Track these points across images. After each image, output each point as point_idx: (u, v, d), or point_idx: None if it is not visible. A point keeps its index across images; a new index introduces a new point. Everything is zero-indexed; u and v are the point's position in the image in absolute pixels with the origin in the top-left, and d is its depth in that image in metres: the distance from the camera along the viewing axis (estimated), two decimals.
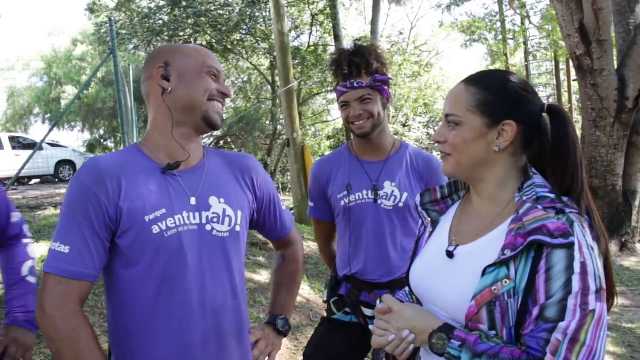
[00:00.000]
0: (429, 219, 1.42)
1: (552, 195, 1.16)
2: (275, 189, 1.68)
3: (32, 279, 1.88)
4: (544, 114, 1.25)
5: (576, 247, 1.07)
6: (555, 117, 1.24)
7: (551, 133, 1.24)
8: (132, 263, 1.34)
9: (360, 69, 2.09)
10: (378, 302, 2.06)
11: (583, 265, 1.06)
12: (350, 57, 2.10)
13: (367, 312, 2.16)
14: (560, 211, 1.12)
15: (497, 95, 1.22)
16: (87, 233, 1.29)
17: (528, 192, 1.18)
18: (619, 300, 5.89)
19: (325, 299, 2.29)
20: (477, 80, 1.26)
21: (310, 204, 2.36)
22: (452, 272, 1.24)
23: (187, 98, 1.41)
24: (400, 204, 2.14)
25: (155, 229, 1.33)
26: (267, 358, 1.58)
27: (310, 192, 2.36)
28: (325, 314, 2.34)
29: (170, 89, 1.41)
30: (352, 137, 2.27)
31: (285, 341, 3.94)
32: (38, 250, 4.56)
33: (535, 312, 1.08)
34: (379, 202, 2.14)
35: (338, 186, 2.21)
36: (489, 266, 1.13)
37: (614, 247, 7.73)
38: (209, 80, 1.44)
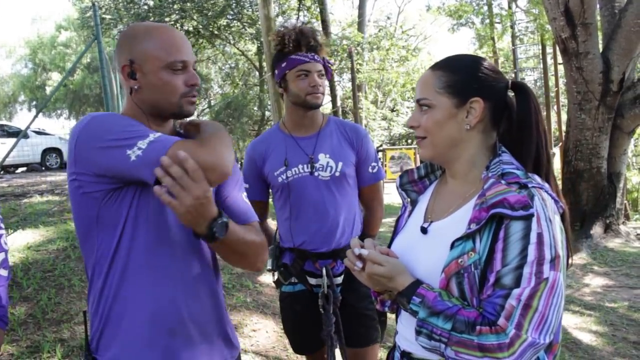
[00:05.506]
0: (409, 199, 1.49)
1: (518, 172, 1.22)
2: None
3: (3, 272, 1.83)
4: (509, 91, 1.32)
5: (534, 218, 1.13)
6: (519, 92, 1.31)
7: (516, 108, 1.31)
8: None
9: (320, 46, 2.23)
10: (323, 270, 2.20)
11: (539, 236, 1.12)
12: (313, 34, 2.22)
13: (312, 280, 2.27)
14: (523, 186, 1.18)
15: (462, 75, 1.29)
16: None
17: (494, 169, 1.24)
18: (603, 281, 6.01)
19: (269, 267, 2.35)
20: (442, 64, 1.33)
21: (245, 185, 2.36)
22: (425, 247, 1.31)
23: (154, 97, 1.40)
24: (337, 173, 2.23)
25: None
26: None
27: (244, 174, 2.38)
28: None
29: (137, 87, 1.40)
30: (285, 116, 2.34)
31: (272, 324, 3.98)
32: (23, 237, 4.55)
33: (492, 278, 1.14)
34: (316, 174, 2.23)
35: (274, 163, 2.26)
36: (457, 240, 1.20)
37: (598, 229, 7.82)
38: (175, 80, 1.39)
